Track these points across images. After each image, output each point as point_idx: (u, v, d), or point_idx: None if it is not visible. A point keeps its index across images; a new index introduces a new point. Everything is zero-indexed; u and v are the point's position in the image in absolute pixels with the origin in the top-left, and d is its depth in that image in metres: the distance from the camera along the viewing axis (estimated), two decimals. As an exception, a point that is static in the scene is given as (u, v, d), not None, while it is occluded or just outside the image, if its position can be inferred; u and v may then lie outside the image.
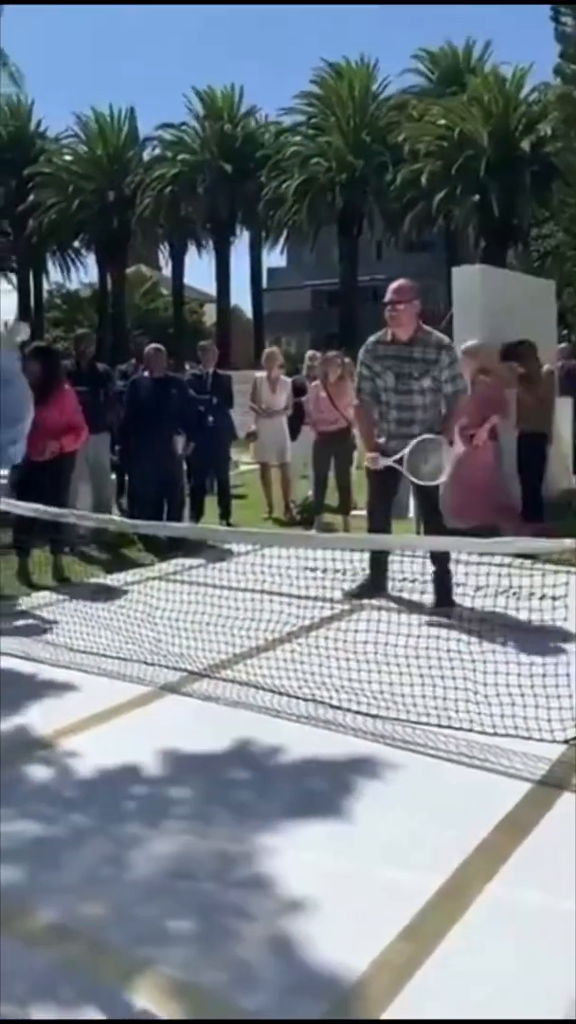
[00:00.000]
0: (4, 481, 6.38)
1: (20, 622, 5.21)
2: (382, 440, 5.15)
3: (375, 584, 5.29)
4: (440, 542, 4.92)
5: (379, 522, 5.29)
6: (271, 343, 33.52)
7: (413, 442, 4.85)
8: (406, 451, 4.87)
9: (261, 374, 8.91)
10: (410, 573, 5.34)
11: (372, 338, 5.22)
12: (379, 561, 5.29)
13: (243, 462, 10.66)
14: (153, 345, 7.79)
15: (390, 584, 5.35)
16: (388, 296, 5.03)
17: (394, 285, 5.12)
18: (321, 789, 3.06)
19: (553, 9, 18.68)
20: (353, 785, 3.06)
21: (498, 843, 2.65)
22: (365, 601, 5.11)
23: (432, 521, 5.27)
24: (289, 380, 9.03)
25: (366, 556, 5.39)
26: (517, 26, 62.31)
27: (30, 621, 5.22)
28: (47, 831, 2.82)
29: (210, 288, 39.45)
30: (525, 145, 28.13)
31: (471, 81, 30.11)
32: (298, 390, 8.87)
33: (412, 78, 34.35)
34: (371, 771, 3.16)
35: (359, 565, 5.46)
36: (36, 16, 68.83)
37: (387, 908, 2.35)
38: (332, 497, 8.09)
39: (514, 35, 62.92)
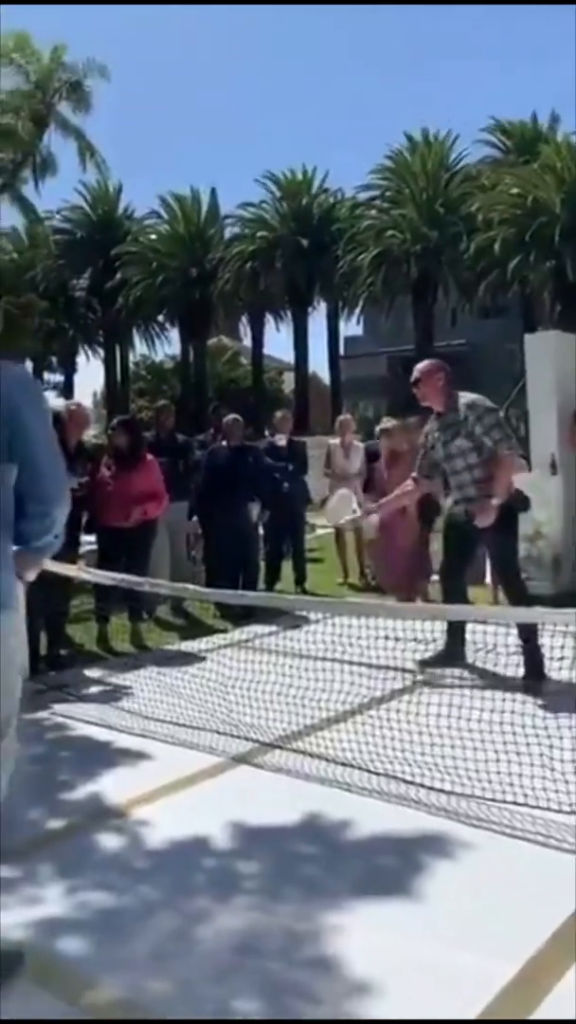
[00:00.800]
0: (93, 547, 6.61)
1: (97, 688, 5.31)
2: (450, 502, 5.36)
3: (451, 653, 5.21)
4: (517, 613, 4.82)
5: (454, 588, 5.25)
6: (348, 409, 33.84)
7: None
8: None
9: (335, 440, 9.02)
10: (487, 642, 5.23)
11: (426, 428, 5.50)
12: (455, 629, 5.23)
13: (318, 526, 10.73)
14: (231, 415, 7.99)
15: (467, 653, 5.26)
16: (413, 377, 5.37)
17: (417, 367, 5.42)
18: (391, 867, 3.00)
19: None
20: (424, 864, 2.99)
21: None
22: (440, 671, 5.04)
23: (513, 588, 5.20)
24: (362, 446, 9.11)
25: (442, 623, 5.33)
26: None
27: (107, 687, 5.32)
28: (117, 902, 2.84)
29: (288, 357, 40.24)
30: (600, 210, 28.17)
31: (543, 149, 30.44)
32: (372, 455, 8.92)
33: (484, 149, 34.99)
34: (443, 849, 3.09)
35: (434, 634, 5.40)
36: (125, 107, 72.95)
37: (457, 996, 2.27)
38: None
39: (587, 103, 63.42)
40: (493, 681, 4.83)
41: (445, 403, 5.26)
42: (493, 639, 5.13)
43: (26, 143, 17.16)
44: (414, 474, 5.55)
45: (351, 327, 40.24)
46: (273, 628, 6.44)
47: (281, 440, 8.45)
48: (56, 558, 5.21)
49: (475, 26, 73.32)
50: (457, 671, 5.04)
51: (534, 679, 4.81)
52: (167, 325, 41.78)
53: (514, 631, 4.92)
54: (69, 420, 5.91)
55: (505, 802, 3.35)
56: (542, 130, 33.61)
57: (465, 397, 5.23)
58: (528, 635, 4.87)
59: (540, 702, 4.32)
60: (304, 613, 6.51)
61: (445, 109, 74.97)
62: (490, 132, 34.84)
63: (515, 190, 29.87)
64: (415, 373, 5.36)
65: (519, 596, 5.14)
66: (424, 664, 5.17)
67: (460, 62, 78.10)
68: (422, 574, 6.99)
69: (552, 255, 29.15)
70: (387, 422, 7.80)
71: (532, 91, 70.07)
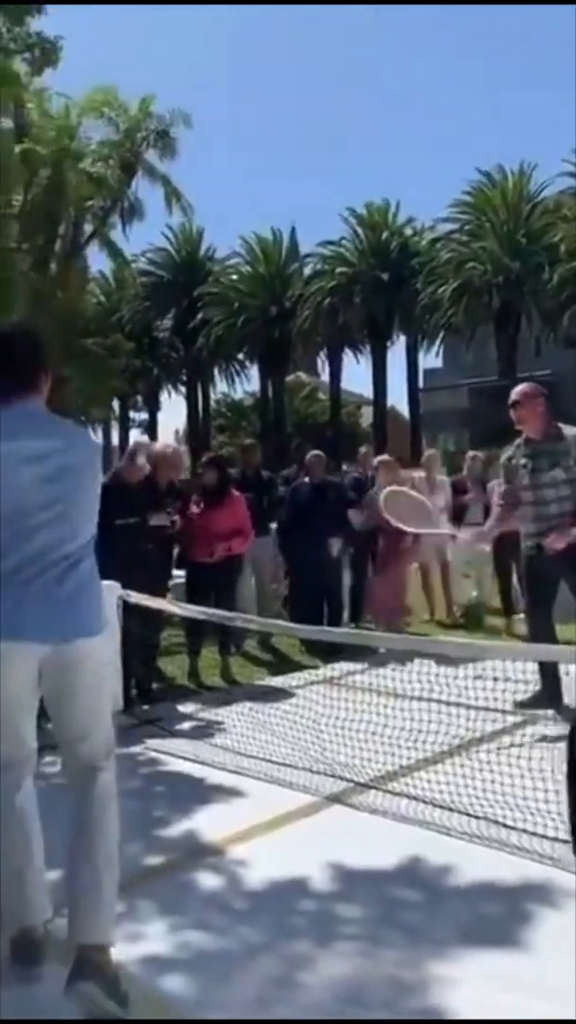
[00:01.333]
0: (181, 581, 6.72)
1: (189, 724, 5.34)
2: (525, 531, 5.16)
3: (549, 694, 5.07)
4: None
5: (539, 626, 5.13)
6: (429, 442, 33.56)
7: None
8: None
9: (419, 474, 8.96)
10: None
11: (510, 447, 5.32)
12: (550, 669, 5.08)
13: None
14: (313, 452, 8.04)
15: (564, 694, 5.10)
16: (512, 399, 5.15)
17: (518, 388, 5.24)
18: (496, 915, 2.91)
19: None
20: (530, 913, 2.89)
21: None
22: (538, 712, 4.90)
23: None
24: (448, 480, 9.01)
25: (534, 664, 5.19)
26: None
27: (199, 723, 5.34)
28: (217, 943, 2.82)
29: (366, 391, 40.37)
30: None
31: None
32: (457, 489, 8.82)
33: (567, 180, 34.66)
34: (548, 898, 2.98)
35: (528, 675, 5.26)
36: (203, 148, 75.10)
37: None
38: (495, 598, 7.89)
39: None
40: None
41: (543, 430, 5.09)
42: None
43: (115, 190, 17.83)
44: (500, 501, 5.41)
45: (430, 359, 40.14)
46: (363, 665, 6.39)
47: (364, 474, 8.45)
48: (148, 592, 5.41)
49: (549, 55, 73.14)
50: (556, 712, 4.89)
51: None
52: (247, 363, 42.53)
53: None
54: (164, 462, 6.07)
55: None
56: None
57: (571, 429, 5.09)
58: None
59: None
60: (392, 650, 6.42)
61: (526, 139, 74.71)
62: (572, 162, 34.48)
63: (598, 219, 29.49)
64: (514, 395, 5.15)
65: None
66: (522, 705, 5.03)
67: (538, 92, 77.86)
68: (399, 605, 7.45)
69: None
70: (475, 454, 7.79)
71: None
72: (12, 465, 2.44)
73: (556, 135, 67.85)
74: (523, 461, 5.11)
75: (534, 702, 5.03)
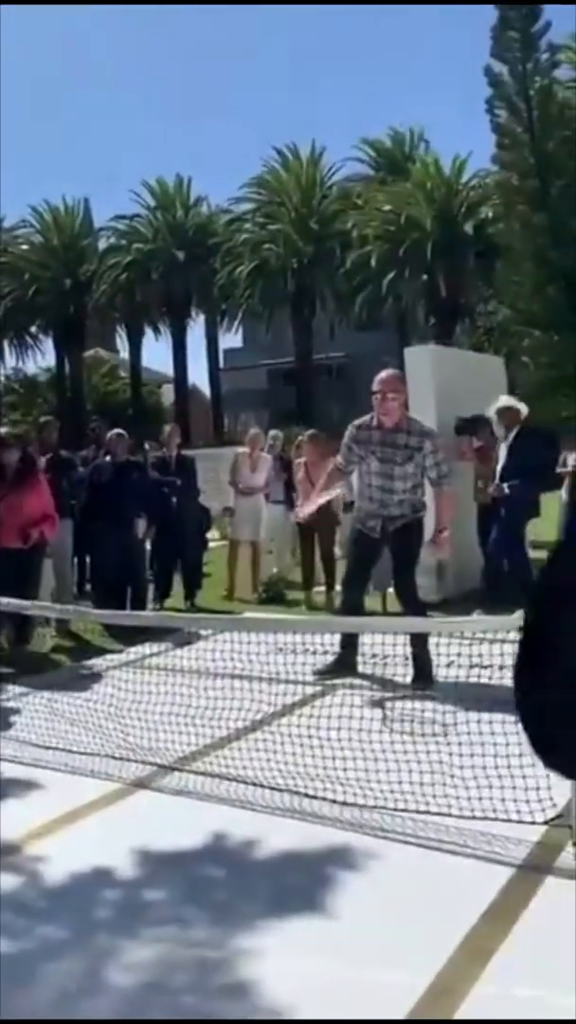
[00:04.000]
0: None
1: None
2: (361, 514, 5.35)
3: (344, 662, 5.26)
4: (405, 623, 4.93)
5: (353, 595, 5.34)
6: (230, 421, 33.77)
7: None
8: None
9: (243, 450, 8.99)
10: (380, 649, 5.31)
11: (357, 422, 5.38)
12: (350, 639, 5.27)
13: (211, 539, 10.62)
14: (115, 430, 7.83)
15: (360, 661, 5.32)
16: (377, 386, 5.22)
17: (383, 375, 5.29)
18: (300, 885, 2.98)
19: (487, 102, 19.73)
20: (333, 879, 2.99)
21: (485, 935, 2.59)
22: (336, 681, 5.07)
23: (409, 591, 5.26)
24: (270, 458, 9.07)
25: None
26: (457, 117, 65.74)
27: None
28: (16, 945, 2.69)
29: (167, 369, 39.97)
30: (468, 228, 29.32)
31: (413, 169, 31.49)
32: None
33: (355, 166, 35.85)
34: (351, 863, 3.10)
35: (328, 645, 5.43)
36: (-9, 114, 70.84)
37: (375, 1011, 2.26)
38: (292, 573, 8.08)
39: (453, 126, 66.10)
40: (389, 688, 4.90)
41: (399, 422, 5.20)
42: (382, 645, 5.24)
43: None
44: (338, 461, 5.51)
45: (231, 339, 40.36)
46: (165, 645, 6.32)
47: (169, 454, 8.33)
48: None
49: (346, 40, 75.02)
50: (353, 680, 5.08)
51: (423, 683, 4.91)
52: (40, 336, 40.73)
53: (403, 638, 5.02)
54: None
55: (407, 811, 3.39)
56: (411, 149, 34.70)
57: (425, 424, 5.29)
58: (419, 641, 4.97)
59: (435, 707, 4.40)
60: (196, 630, 6.41)
61: (314, 123, 76.38)
62: (360, 148, 35.68)
63: (387, 207, 30.74)
64: (380, 384, 5.19)
65: (412, 599, 5.24)
66: (319, 674, 5.19)
67: (327, 76, 79.72)
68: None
69: (426, 270, 30.15)
70: (276, 433, 7.87)
71: (396, 109, 72.34)
72: None
73: (345, 120, 69.90)
74: (375, 448, 5.18)
75: (330, 670, 5.20)
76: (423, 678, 4.96)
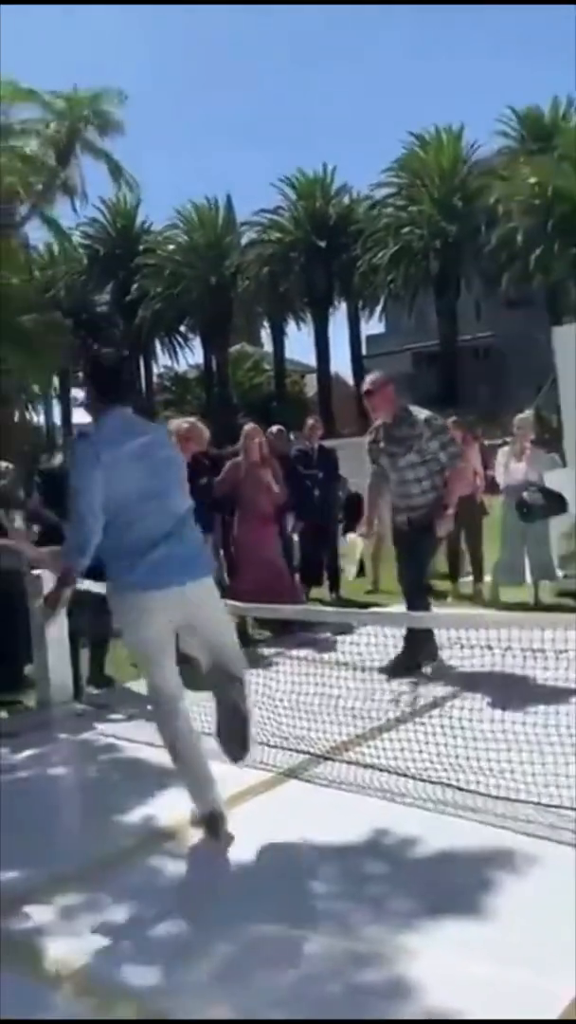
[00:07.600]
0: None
1: (140, 708, 5.25)
2: (395, 507, 5.49)
3: (418, 654, 5.21)
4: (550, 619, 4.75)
5: (413, 588, 5.38)
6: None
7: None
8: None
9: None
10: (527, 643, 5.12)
11: (371, 428, 5.59)
12: (422, 633, 5.19)
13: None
14: (276, 427, 8.12)
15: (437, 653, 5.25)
16: (364, 388, 5.49)
17: (368, 378, 5.57)
18: (458, 883, 2.92)
19: None
20: (491, 880, 2.91)
21: None
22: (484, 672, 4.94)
23: (414, 579, 5.35)
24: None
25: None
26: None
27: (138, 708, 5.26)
28: (175, 928, 2.80)
29: (310, 359, 40.30)
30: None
31: (559, 139, 30.17)
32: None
33: (500, 140, 34.71)
34: (503, 862, 3.01)
35: (478, 640, 5.29)
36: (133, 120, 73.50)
37: (521, 1015, 2.20)
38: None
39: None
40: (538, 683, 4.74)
41: (394, 415, 5.36)
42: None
43: (52, 169, 18.05)
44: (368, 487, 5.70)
45: (373, 325, 40.18)
46: (312, 637, 6.37)
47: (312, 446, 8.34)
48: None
49: (474, 20, 72.67)
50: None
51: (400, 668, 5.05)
52: (189, 335, 42.04)
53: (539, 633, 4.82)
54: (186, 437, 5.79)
55: (563, 807, 3.26)
56: (558, 118, 33.23)
57: (421, 413, 5.39)
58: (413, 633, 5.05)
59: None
60: (345, 622, 6.41)
61: (457, 101, 74.60)
62: (505, 122, 34.52)
63: (532, 179, 29.61)
64: (366, 385, 5.48)
65: (411, 590, 5.30)
66: (383, 672, 5.08)
67: (467, 59, 77.50)
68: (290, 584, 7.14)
69: (575, 243, 28.86)
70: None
71: (543, 80, 69.42)
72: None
73: (485, 97, 67.87)
74: (383, 446, 5.39)
75: (396, 669, 5.12)
76: (404, 663, 5.08)
